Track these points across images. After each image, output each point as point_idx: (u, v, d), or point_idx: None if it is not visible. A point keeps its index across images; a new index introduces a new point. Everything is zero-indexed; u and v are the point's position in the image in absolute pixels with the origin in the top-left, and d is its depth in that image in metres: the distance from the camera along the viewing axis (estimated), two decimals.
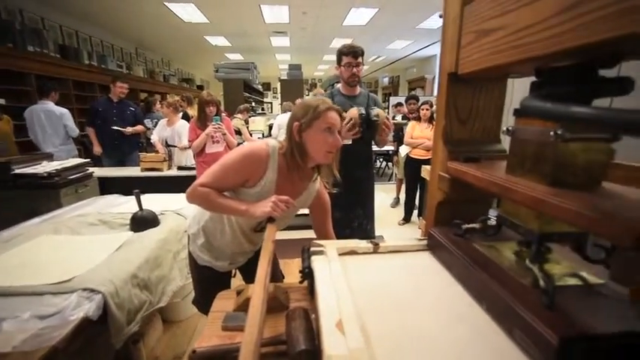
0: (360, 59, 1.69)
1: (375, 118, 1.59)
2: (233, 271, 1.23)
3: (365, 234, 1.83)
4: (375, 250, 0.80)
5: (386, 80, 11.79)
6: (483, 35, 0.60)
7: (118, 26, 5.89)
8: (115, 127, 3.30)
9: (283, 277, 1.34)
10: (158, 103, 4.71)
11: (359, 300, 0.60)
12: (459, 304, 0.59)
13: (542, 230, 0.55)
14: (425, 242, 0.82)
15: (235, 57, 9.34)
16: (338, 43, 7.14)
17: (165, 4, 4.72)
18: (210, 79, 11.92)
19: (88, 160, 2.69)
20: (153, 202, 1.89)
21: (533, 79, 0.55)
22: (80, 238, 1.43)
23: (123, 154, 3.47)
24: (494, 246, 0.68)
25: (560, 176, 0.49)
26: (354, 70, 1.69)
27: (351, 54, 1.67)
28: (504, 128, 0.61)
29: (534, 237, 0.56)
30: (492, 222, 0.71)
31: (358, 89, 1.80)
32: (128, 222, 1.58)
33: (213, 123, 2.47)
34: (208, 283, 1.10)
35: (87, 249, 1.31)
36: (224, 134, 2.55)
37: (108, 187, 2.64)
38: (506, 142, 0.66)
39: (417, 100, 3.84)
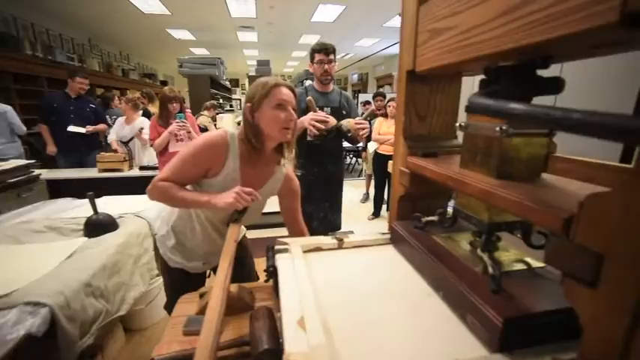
0: (331, 56, 1.73)
1: (349, 134, 1.60)
2: (207, 272, 1.19)
3: (331, 225, 1.90)
4: (340, 245, 0.81)
5: (355, 77, 11.94)
6: (436, 34, 0.62)
7: (66, 14, 5.37)
8: (73, 129, 2.99)
9: (258, 278, 1.31)
10: (117, 98, 4.41)
11: (322, 296, 0.60)
12: (418, 294, 0.62)
13: (492, 220, 0.58)
14: (388, 236, 0.84)
15: (201, 52, 8.96)
16: (306, 39, 7.09)
17: None
18: (174, 74, 11.32)
19: (34, 161, 2.44)
20: (111, 204, 1.78)
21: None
22: (23, 247, 1.30)
23: (81, 154, 3.18)
24: (452, 237, 0.72)
25: (506, 169, 0.53)
26: (326, 66, 1.72)
27: (322, 51, 1.70)
28: (458, 124, 0.64)
29: (484, 227, 0.59)
30: (450, 214, 0.74)
31: (331, 86, 1.84)
32: (82, 227, 1.47)
33: (177, 120, 2.36)
34: (181, 286, 1.04)
35: (31, 258, 1.19)
36: (188, 132, 2.45)
37: (62, 190, 2.43)
38: (461, 137, 0.69)
39: (384, 97, 3.93)
